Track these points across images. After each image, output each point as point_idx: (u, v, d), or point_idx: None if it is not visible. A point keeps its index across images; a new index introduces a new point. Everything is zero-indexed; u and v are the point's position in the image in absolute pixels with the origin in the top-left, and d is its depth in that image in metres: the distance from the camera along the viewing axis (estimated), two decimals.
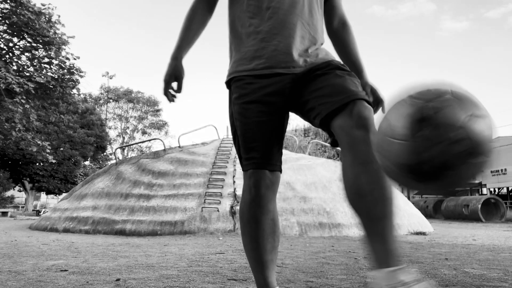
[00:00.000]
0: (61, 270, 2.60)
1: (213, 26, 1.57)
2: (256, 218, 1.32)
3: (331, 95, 1.18)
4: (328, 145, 15.91)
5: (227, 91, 1.48)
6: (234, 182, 7.65)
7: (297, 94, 1.33)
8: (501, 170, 28.32)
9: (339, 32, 1.54)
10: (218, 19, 1.65)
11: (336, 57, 1.47)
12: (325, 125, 1.21)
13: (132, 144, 36.45)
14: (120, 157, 30.35)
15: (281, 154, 1.38)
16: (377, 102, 1.49)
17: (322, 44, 1.46)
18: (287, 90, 1.33)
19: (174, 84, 1.45)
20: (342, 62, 1.40)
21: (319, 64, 1.33)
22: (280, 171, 1.37)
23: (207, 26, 1.55)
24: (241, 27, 1.41)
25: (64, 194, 23.04)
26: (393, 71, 73.83)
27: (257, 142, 1.32)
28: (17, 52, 14.81)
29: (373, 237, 1.16)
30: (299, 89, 1.32)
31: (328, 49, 1.49)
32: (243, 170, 1.39)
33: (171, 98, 1.45)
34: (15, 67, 14.48)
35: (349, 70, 1.32)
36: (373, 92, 1.49)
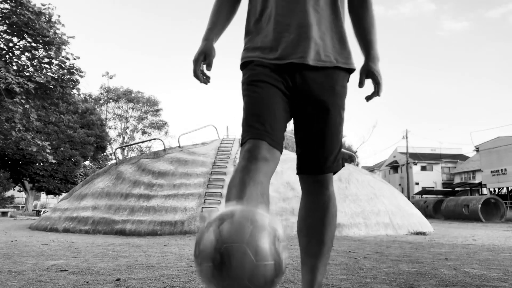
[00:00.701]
0: (61, 270, 2.60)
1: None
2: (243, 183, 1.12)
3: (310, 158, 1.35)
4: None
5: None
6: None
7: (301, 103, 1.35)
8: (501, 170, 28.31)
9: (357, 9, 1.50)
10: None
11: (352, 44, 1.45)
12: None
13: (132, 144, 36.46)
14: (120, 157, 30.35)
15: (283, 137, 1.33)
16: (375, 85, 1.48)
17: (342, 35, 1.42)
18: (297, 87, 1.34)
19: (204, 65, 1.41)
20: (346, 73, 1.41)
21: (327, 75, 1.35)
22: (280, 152, 1.30)
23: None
24: (258, 11, 1.40)
25: (64, 194, 23.03)
26: (393, 71, 73.83)
27: (262, 116, 1.27)
28: (17, 52, 14.80)
29: (304, 269, 1.41)
30: (304, 100, 1.34)
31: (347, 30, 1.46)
32: (241, 144, 1.29)
33: (202, 78, 1.41)
34: (15, 67, 14.47)
35: (345, 87, 1.39)
36: (371, 76, 1.47)
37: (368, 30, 1.49)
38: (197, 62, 1.39)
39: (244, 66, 1.42)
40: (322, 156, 1.34)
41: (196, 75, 1.40)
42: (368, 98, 1.51)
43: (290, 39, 1.33)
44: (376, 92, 1.49)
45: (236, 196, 1.10)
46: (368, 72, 1.46)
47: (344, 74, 1.40)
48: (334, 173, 1.41)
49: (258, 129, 1.25)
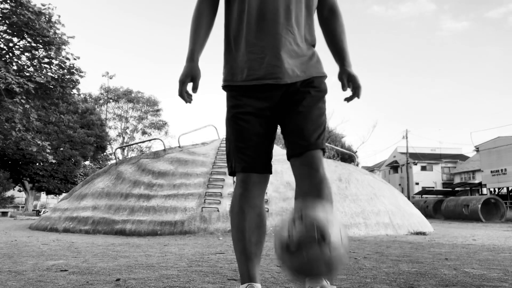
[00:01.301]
0: (61, 270, 2.60)
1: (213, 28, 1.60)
2: (243, 210, 1.41)
3: (294, 139, 1.46)
4: (328, 145, 15.98)
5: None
6: (234, 182, 7.64)
7: (282, 112, 1.49)
8: (501, 170, 28.31)
9: (328, 21, 1.61)
10: (217, 21, 1.67)
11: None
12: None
13: (132, 144, 36.45)
14: (120, 157, 30.35)
15: (270, 158, 1.50)
16: (354, 89, 1.59)
17: (313, 46, 1.55)
18: (277, 103, 1.48)
19: (190, 86, 1.50)
20: (320, 79, 1.53)
21: (302, 84, 1.47)
22: (270, 173, 1.49)
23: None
24: (233, 34, 1.50)
25: (64, 194, 23.03)
26: (393, 71, 73.83)
27: (247, 149, 1.44)
28: (17, 52, 14.80)
29: None
30: (284, 109, 1.48)
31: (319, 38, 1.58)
32: (234, 170, 1.48)
33: (187, 99, 1.51)
34: (15, 67, 14.47)
35: (322, 91, 1.51)
36: (351, 79, 1.59)
37: (340, 39, 1.60)
38: (183, 84, 1.48)
39: (226, 88, 1.55)
40: (306, 134, 1.44)
41: (181, 95, 1.49)
42: (349, 99, 1.63)
43: (266, 61, 1.43)
44: (357, 95, 1.60)
45: (239, 223, 1.40)
46: (349, 76, 1.58)
47: (317, 79, 1.52)
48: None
49: (246, 161, 1.43)
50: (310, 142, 1.43)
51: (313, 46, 1.56)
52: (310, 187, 1.41)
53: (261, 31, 1.43)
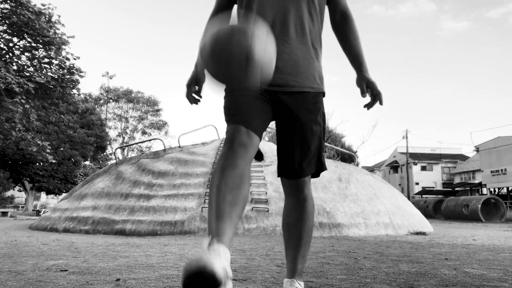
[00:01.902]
0: (61, 270, 2.60)
1: None
2: (223, 168, 1.30)
3: (286, 163, 1.55)
4: (328, 145, 15.94)
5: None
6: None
7: (279, 116, 1.52)
8: (501, 170, 28.31)
9: (340, 26, 1.64)
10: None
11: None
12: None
13: (132, 144, 36.45)
14: (120, 157, 30.35)
15: (262, 127, 1.46)
16: (373, 96, 1.56)
17: (317, 53, 1.56)
18: (273, 100, 1.50)
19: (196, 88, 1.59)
20: (320, 96, 1.57)
21: (300, 97, 1.51)
22: (260, 138, 1.44)
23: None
24: None
25: (64, 194, 23.02)
26: (393, 71, 73.84)
27: (239, 109, 1.43)
28: (17, 52, 14.80)
29: (287, 259, 1.64)
30: (281, 114, 1.51)
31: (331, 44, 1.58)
32: (225, 134, 1.46)
33: (192, 100, 1.59)
34: (15, 67, 14.47)
35: (319, 110, 1.56)
36: (370, 86, 1.57)
37: (355, 44, 1.62)
38: (189, 87, 1.57)
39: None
40: (295, 162, 1.53)
41: (188, 98, 1.59)
42: (369, 106, 1.61)
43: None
44: (379, 101, 1.58)
45: (217, 180, 1.27)
46: (367, 82, 1.57)
47: (315, 94, 1.55)
48: (315, 176, 1.63)
49: (236, 117, 1.41)
50: (300, 171, 1.53)
51: (312, 62, 1.55)
52: (295, 203, 1.59)
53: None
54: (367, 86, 1.57)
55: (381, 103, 1.58)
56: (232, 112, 1.44)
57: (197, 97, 1.59)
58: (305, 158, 1.53)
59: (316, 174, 1.63)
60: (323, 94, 1.60)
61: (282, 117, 1.52)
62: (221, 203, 1.23)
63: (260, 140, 1.45)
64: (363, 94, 1.58)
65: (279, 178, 1.62)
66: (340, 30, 1.64)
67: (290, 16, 1.49)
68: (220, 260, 0.95)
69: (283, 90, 1.48)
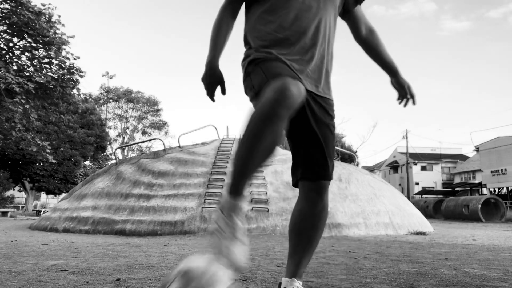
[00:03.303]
0: (61, 270, 2.60)
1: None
2: (278, 114, 1.11)
3: (310, 164, 1.52)
4: None
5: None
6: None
7: (301, 116, 1.49)
8: (501, 170, 28.31)
9: (369, 39, 1.75)
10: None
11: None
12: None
13: (132, 144, 36.44)
14: (120, 157, 30.34)
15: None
16: (411, 96, 1.76)
17: (328, 72, 1.59)
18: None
19: (218, 89, 1.60)
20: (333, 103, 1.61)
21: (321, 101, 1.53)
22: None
23: (203, 36, 1.65)
24: (254, 39, 1.54)
25: (64, 194, 23.01)
26: None
27: (289, 69, 1.38)
28: (17, 52, 14.79)
29: (291, 261, 1.61)
30: (306, 115, 1.49)
31: (358, 54, 1.65)
32: (262, 85, 1.31)
33: (213, 99, 1.62)
34: (15, 67, 14.47)
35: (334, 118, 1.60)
36: (408, 88, 1.76)
37: (384, 52, 1.76)
38: (212, 87, 1.56)
39: (259, 56, 1.48)
40: (323, 164, 1.53)
41: (211, 97, 1.60)
42: (405, 104, 1.80)
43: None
44: (413, 102, 1.78)
45: (264, 127, 1.12)
46: (404, 85, 1.76)
47: (332, 102, 1.61)
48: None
49: (285, 69, 1.35)
50: (325, 173, 1.53)
51: (328, 71, 1.59)
52: (312, 210, 1.55)
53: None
54: (405, 88, 1.75)
55: (414, 103, 1.78)
56: (282, 69, 1.34)
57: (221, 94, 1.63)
58: (331, 160, 1.55)
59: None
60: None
61: (307, 120, 1.51)
62: (254, 167, 1.17)
63: None
64: (405, 96, 1.76)
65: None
66: (368, 45, 1.75)
67: (322, 24, 1.51)
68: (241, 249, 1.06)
69: (314, 93, 1.50)
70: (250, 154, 1.15)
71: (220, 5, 1.62)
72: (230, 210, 1.17)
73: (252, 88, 1.42)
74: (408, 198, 32.14)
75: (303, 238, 1.57)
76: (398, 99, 1.79)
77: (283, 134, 1.19)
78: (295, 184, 1.59)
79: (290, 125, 1.47)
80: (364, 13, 1.74)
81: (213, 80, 1.55)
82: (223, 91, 1.60)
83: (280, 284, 1.58)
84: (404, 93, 1.77)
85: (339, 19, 1.68)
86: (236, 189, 1.19)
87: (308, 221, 1.56)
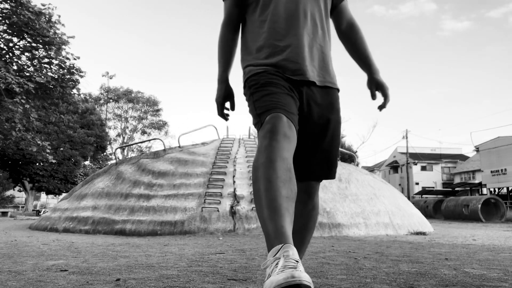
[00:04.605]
0: (61, 270, 2.60)
1: (212, 36, 1.62)
2: (271, 159, 1.17)
3: (318, 165, 1.52)
4: None
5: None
6: (234, 182, 7.64)
7: (304, 115, 1.47)
8: (501, 170, 28.30)
9: (348, 34, 1.69)
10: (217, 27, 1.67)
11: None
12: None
13: (132, 144, 36.44)
14: (120, 157, 30.34)
15: (297, 122, 1.39)
16: (384, 96, 1.64)
17: (328, 58, 1.57)
18: (301, 99, 1.46)
19: (227, 104, 1.63)
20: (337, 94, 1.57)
21: (323, 94, 1.50)
22: (296, 129, 1.35)
23: (202, 36, 1.65)
24: (252, 42, 1.54)
25: (64, 194, 23.02)
26: (393, 71, 73.81)
27: (277, 102, 1.37)
28: (17, 52, 14.78)
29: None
30: (307, 113, 1.47)
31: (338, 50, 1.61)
32: (260, 126, 1.34)
33: (226, 117, 1.65)
34: (15, 67, 14.46)
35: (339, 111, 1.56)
36: (380, 87, 1.64)
37: (363, 48, 1.67)
38: (221, 105, 1.60)
39: (253, 75, 1.50)
40: (332, 165, 1.54)
41: (221, 115, 1.63)
42: (381, 107, 1.66)
43: (286, 59, 1.48)
44: (384, 104, 1.66)
45: (266, 173, 1.15)
46: (377, 84, 1.64)
47: (336, 92, 1.56)
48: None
49: (275, 108, 1.34)
50: (313, 174, 1.52)
51: (329, 58, 1.57)
52: (302, 211, 1.56)
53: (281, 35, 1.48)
54: (376, 88, 1.64)
55: (384, 106, 1.65)
56: (270, 102, 1.36)
57: (229, 112, 1.65)
58: (332, 163, 1.53)
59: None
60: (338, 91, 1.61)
61: (312, 119, 1.48)
62: (279, 198, 1.11)
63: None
64: (372, 97, 1.65)
65: None
66: (347, 38, 1.69)
67: (316, 15, 1.52)
68: (304, 271, 0.92)
69: (315, 84, 1.47)
70: (274, 195, 1.12)
71: (221, 22, 1.64)
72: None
73: (252, 115, 1.47)
74: (408, 198, 32.15)
75: (294, 239, 1.52)
76: (374, 98, 1.68)
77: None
78: None
79: None
80: (349, 9, 1.72)
81: (222, 95, 1.58)
82: (232, 107, 1.63)
83: None
84: (382, 94, 1.65)
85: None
86: (281, 234, 1.05)
87: (299, 221, 1.53)
